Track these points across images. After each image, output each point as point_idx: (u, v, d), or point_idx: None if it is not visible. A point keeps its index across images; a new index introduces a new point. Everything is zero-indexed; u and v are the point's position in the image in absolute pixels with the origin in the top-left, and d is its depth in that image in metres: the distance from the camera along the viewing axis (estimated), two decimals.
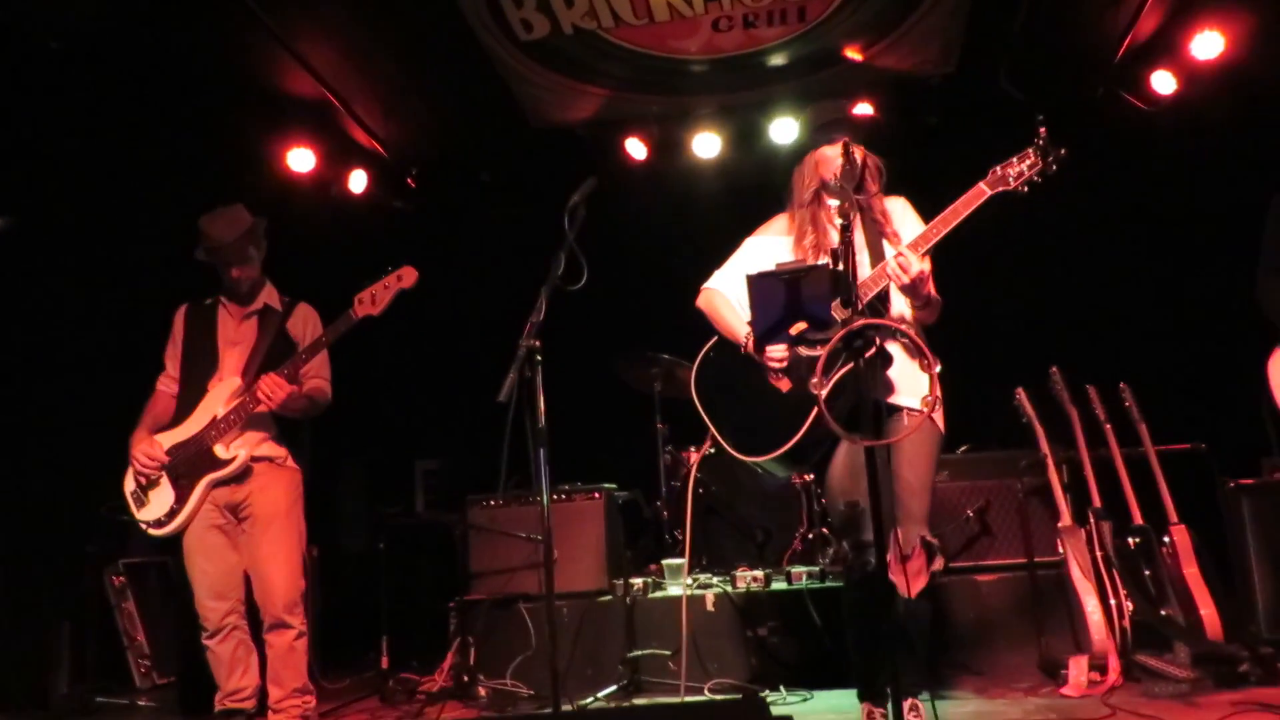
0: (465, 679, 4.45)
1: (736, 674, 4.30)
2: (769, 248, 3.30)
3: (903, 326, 2.44)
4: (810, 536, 5.34)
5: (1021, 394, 4.26)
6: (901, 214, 3.22)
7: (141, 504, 3.75)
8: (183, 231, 6.17)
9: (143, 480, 3.74)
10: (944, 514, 4.45)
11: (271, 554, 3.72)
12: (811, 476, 5.39)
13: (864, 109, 6.35)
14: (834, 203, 2.80)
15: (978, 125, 6.54)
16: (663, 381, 5.77)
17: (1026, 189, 2.89)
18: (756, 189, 6.69)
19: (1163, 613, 3.79)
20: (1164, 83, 6.05)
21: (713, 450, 5.54)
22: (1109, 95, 6.24)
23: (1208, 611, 3.74)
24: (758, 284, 2.80)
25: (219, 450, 3.71)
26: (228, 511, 3.75)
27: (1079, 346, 4.69)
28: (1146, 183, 6.15)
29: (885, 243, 3.11)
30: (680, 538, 5.41)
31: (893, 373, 2.97)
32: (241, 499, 3.75)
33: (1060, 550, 4.01)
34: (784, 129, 6.51)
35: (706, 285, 3.40)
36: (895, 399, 3.03)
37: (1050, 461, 4.13)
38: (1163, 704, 3.44)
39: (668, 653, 4.35)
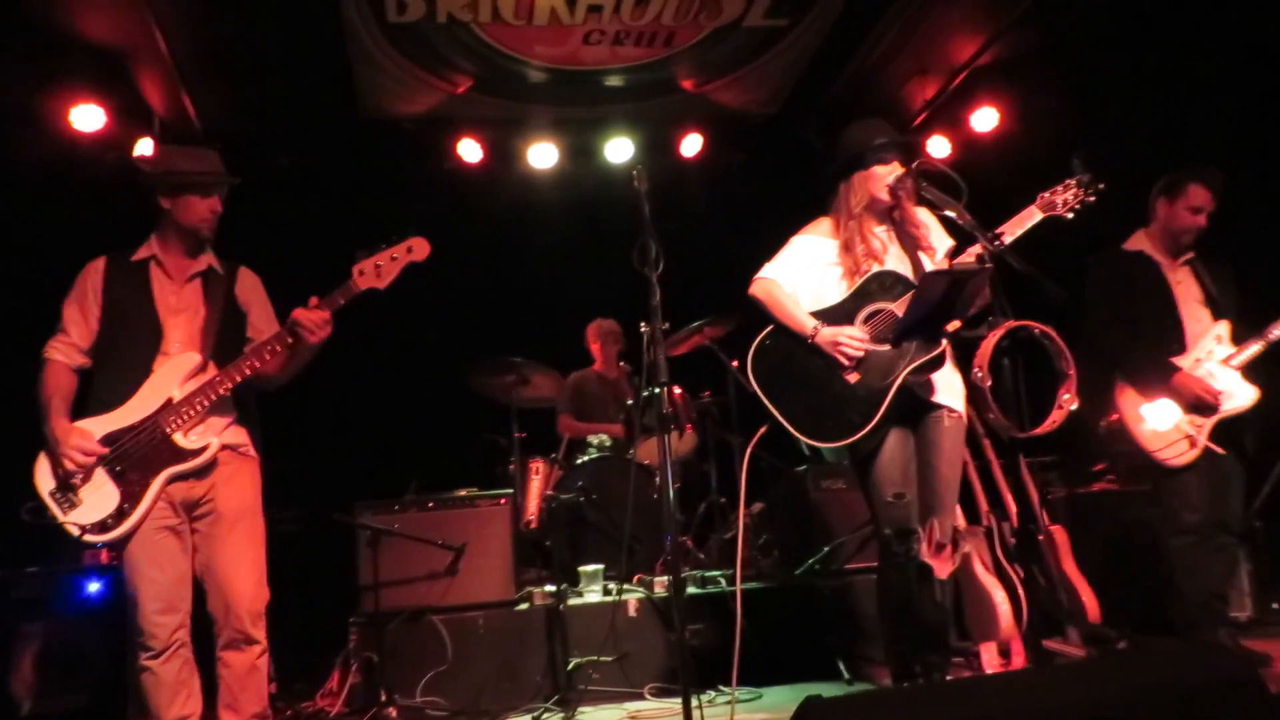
0: (384, 696, 4.07)
1: (669, 677, 4.31)
2: (817, 247, 3.45)
3: (1044, 328, 2.72)
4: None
5: None
6: (933, 226, 3.50)
7: (69, 505, 3.06)
8: None
9: (74, 478, 3.07)
10: (846, 520, 4.81)
11: (238, 556, 3.21)
12: (678, 486, 5.55)
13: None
14: (953, 213, 3.00)
15: (778, 165, 7.14)
16: (520, 386, 5.65)
17: (1072, 215, 3.23)
18: (595, 203, 6.84)
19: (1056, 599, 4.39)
20: (939, 148, 6.98)
21: (590, 457, 5.54)
22: None
23: (1088, 598, 4.38)
24: (928, 279, 2.97)
25: (180, 439, 3.14)
26: (182, 509, 3.18)
27: None
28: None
29: (921, 254, 3.38)
30: (550, 547, 5.31)
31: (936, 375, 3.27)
32: (201, 495, 3.20)
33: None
34: (619, 149, 6.67)
35: (761, 275, 3.46)
36: (936, 398, 3.30)
37: None
38: None
39: (609, 659, 4.27)
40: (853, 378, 3.21)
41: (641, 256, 3.10)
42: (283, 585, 5.04)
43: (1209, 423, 3.83)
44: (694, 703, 4.03)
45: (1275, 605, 5.05)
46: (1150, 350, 4.00)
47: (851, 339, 3.21)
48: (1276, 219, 5.21)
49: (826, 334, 3.25)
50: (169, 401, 3.16)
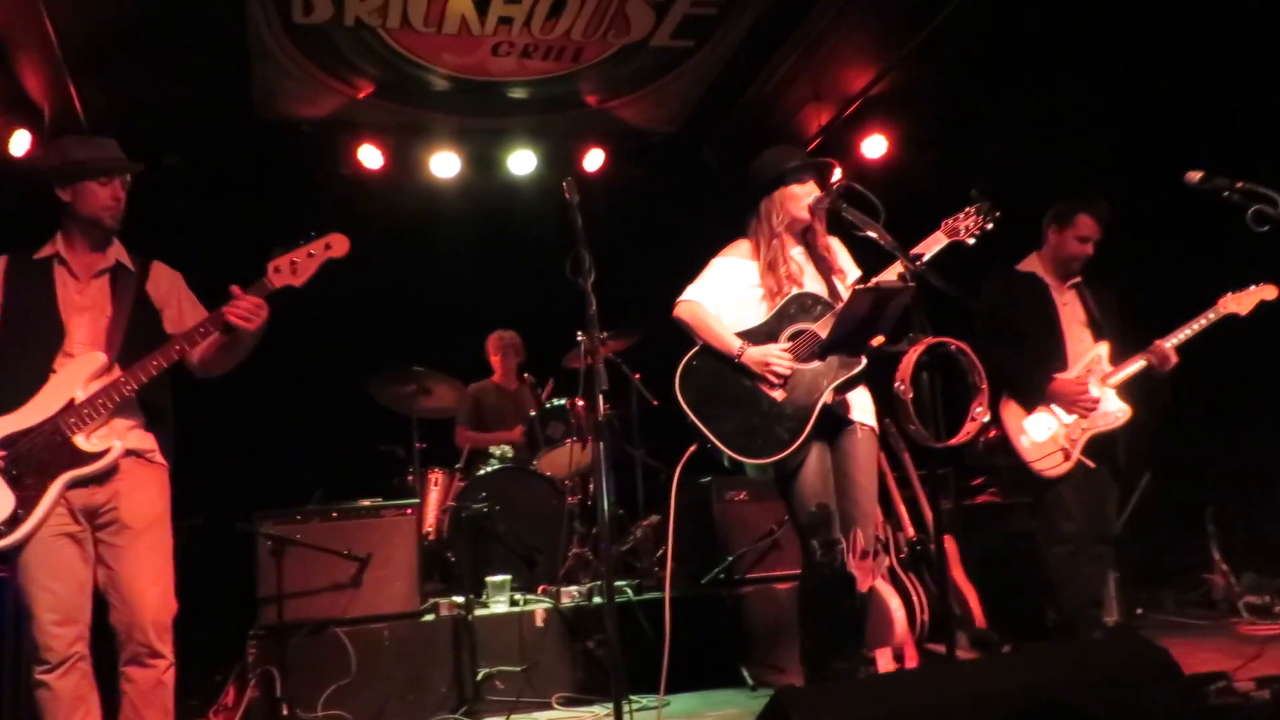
0: (285, 711, 3.96)
1: (577, 687, 4.32)
2: (737, 269, 3.54)
3: (959, 344, 2.85)
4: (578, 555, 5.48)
5: None
6: (840, 251, 3.64)
7: None
8: None
9: None
10: (748, 531, 4.91)
11: (144, 567, 3.08)
12: (579, 498, 5.56)
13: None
14: (874, 233, 3.13)
15: (677, 183, 7.27)
16: (421, 396, 5.59)
17: (973, 240, 3.40)
18: (497, 214, 6.80)
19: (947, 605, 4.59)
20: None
21: (494, 468, 5.50)
22: None
23: (974, 604, 4.59)
24: (855, 296, 3.07)
25: (80, 442, 3.00)
26: (83, 517, 3.04)
27: None
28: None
29: (834, 277, 3.51)
30: (452, 559, 5.26)
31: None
32: (102, 502, 3.05)
33: None
34: (522, 161, 6.69)
35: (684, 298, 3.51)
36: (852, 414, 3.43)
37: None
38: None
39: (518, 669, 4.25)
40: (779, 395, 3.30)
41: (575, 267, 3.13)
42: (177, 596, 4.87)
43: (1083, 437, 4.09)
44: (605, 710, 4.11)
45: (1139, 611, 5.38)
46: (1033, 366, 4.24)
47: (780, 359, 3.30)
48: (1152, 247, 5.61)
49: (754, 353, 3.33)
50: (71, 402, 3.01)
